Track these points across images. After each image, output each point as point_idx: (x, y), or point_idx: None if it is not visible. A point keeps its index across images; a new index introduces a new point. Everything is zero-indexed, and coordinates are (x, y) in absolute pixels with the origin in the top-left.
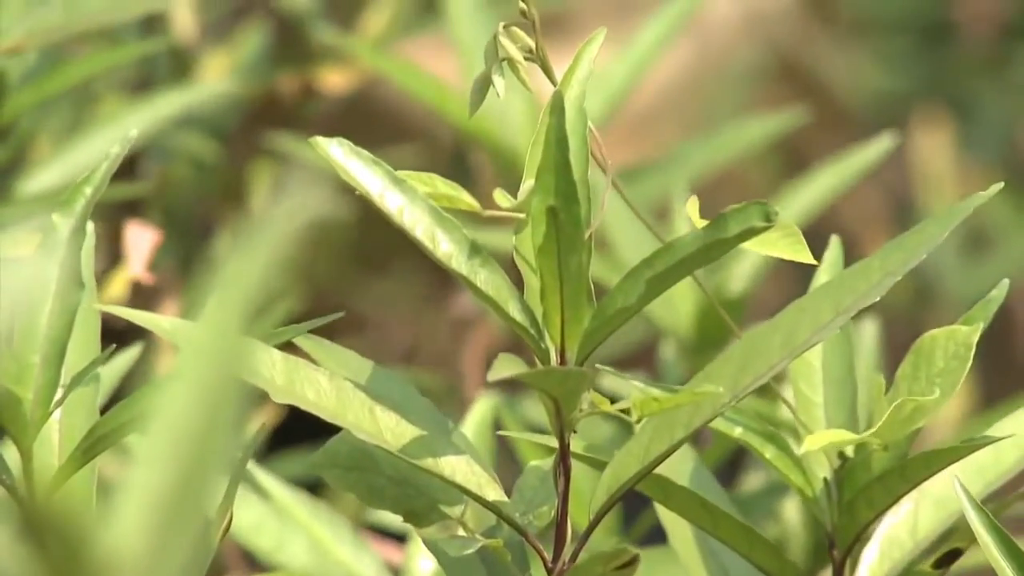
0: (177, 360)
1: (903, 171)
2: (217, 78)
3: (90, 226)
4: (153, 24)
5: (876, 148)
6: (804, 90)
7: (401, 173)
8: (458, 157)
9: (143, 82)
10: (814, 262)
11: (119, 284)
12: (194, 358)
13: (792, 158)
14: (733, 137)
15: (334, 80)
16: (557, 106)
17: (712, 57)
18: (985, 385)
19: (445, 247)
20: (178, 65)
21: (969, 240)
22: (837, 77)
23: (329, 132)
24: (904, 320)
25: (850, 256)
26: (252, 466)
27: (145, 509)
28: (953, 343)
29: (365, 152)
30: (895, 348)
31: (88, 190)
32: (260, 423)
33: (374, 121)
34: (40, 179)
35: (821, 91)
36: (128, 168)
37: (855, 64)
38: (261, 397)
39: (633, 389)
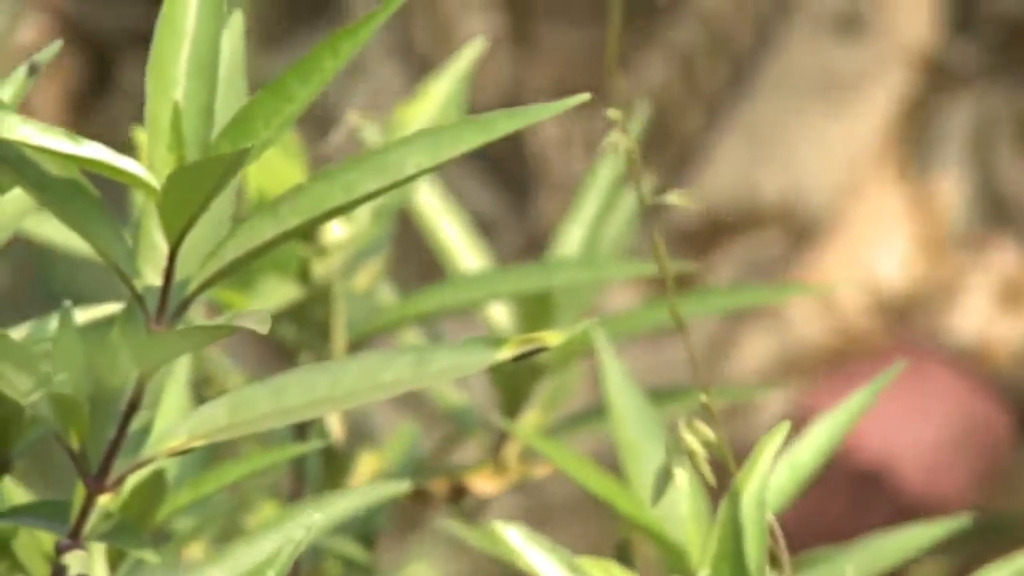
0: None
1: None
2: (367, 480)
3: None
4: (304, 424)
5: None
6: None
7: (579, 559)
8: (623, 544)
9: (293, 485)
10: None
11: None
12: None
13: None
14: None
15: (485, 483)
16: (735, 498)
17: None
18: None
19: None
20: (330, 466)
21: None
22: None
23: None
24: None
25: None
26: None
27: None
28: None
29: (544, 538)
30: None
31: (271, 573)
32: None
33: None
34: None
35: None
36: None
37: None
38: None
39: None
